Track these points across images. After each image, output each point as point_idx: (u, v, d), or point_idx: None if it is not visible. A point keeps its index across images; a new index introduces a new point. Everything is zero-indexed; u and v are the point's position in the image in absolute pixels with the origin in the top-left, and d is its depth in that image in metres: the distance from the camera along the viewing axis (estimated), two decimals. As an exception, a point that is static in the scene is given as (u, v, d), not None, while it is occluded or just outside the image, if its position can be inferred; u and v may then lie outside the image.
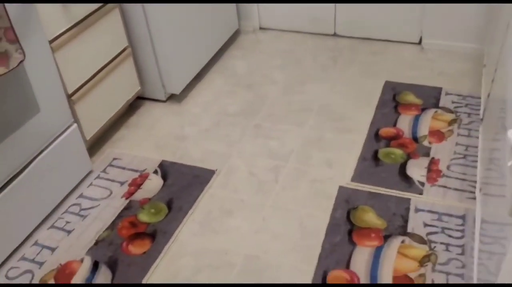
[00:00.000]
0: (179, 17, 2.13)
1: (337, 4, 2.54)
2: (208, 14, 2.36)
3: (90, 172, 1.90)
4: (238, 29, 2.75)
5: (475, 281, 1.22)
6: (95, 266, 1.55)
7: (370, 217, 1.63)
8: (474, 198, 1.65)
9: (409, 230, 1.57)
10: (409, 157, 1.86)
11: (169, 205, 1.75)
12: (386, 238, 1.55)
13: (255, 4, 2.69)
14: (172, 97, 2.29)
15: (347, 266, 1.48)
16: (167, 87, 2.22)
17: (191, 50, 2.27)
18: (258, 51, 2.62)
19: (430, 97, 2.16)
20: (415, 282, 1.42)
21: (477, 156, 1.82)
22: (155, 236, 1.63)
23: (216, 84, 2.39)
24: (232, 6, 2.58)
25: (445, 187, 1.72)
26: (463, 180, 1.74)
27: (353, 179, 1.79)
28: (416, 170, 1.80)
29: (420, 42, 2.51)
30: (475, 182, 1.71)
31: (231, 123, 2.13)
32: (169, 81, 2.19)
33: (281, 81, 2.37)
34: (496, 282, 0.90)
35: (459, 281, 1.42)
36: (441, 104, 2.12)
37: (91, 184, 1.86)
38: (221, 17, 2.49)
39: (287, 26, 2.74)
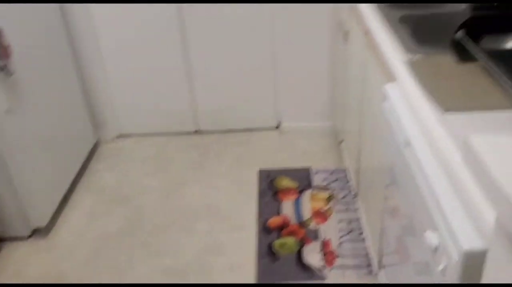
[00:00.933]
0: (31, 137, 1.95)
1: (198, 99, 2.58)
2: (61, 129, 2.20)
3: None
4: (98, 140, 2.62)
5: None
6: None
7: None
8: (371, 273, 1.74)
9: None
10: (302, 243, 1.90)
11: None
12: None
13: (112, 111, 2.60)
14: (37, 232, 2.03)
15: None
16: (30, 220, 1.97)
17: (50, 172, 2.08)
18: (123, 160, 2.51)
19: (303, 179, 2.28)
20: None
21: (361, 229, 1.94)
22: None
23: (86, 204, 2.20)
24: (85, 116, 2.45)
25: (342, 266, 1.79)
26: (356, 256, 1.83)
27: (259, 281, 1.75)
28: (313, 255, 1.84)
29: (278, 127, 2.67)
30: (367, 255, 1.81)
31: (114, 247, 1.95)
32: (31, 213, 1.95)
33: (156, 188, 2.28)
34: None
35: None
36: (314, 183, 2.24)
37: None
38: (75, 130, 2.35)
39: (148, 130, 2.69)
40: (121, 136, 2.69)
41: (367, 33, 1.57)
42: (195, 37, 2.40)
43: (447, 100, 1.00)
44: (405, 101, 1.12)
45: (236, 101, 2.60)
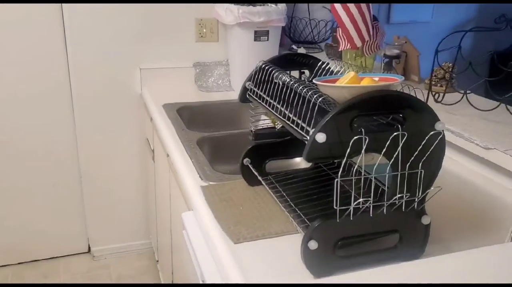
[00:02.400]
0: None
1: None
2: None
3: None
4: None
5: None
6: None
7: None
8: None
9: None
10: None
11: None
12: None
13: None
14: None
15: None
16: None
17: None
18: None
19: (117, 308, 2.08)
20: None
21: None
22: None
23: None
24: None
25: None
26: None
27: None
28: None
29: (89, 251, 2.45)
30: None
31: None
32: None
33: None
34: None
35: None
36: (130, 312, 2.06)
37: None
38: None
39: None
40: None
41: (168, 155, 1.58)
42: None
43: (237, 230, 1.01)
44: (200, 231, 1.10)
45: (40, 226, 2.33)
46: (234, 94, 2.14)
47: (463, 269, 0.80)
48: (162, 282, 2.15)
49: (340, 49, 1.49)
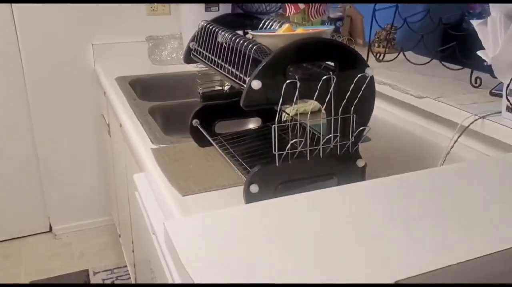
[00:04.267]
0: None
1: None
2: None
3: None
4: None
5: None
6: None
7: None
8: None
9: None
10: None
11: None
12: None
13: None
14: None
15: None
16: None
17: None
18: None
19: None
20: None
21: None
22: None
23: None
24: None
25: None
26: None
27: None
28: None
29: (51, 230, 2.44)
30: None
31: None
32: None
33: None
34: None
35: None
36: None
37: None
38: None
39: None
40: None
41: (121, 125, 1.59)
42: None
43: (186, 185, 1.04)
44: (151, 190, 1.13)
45: (-5, 209, 2.31)
46: (188, 67, 2.15)
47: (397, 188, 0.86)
48: (125, 257, 2.17)
49: (287, 15, 1.53)
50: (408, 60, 1.26)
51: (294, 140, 0.85)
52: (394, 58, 1.27)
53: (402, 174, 0.83)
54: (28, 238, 2.40)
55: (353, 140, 0.90)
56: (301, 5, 1.37)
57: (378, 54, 1.38)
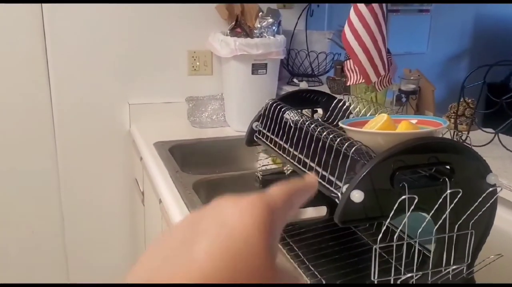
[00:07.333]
0: None
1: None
2: None
3: None
4: None
5: None
6: None
7: None
8: None
9: None
10: None
11: None
12: None
13: None
14: None
15: None
16: None
17: None
18: None
19: None
20: None
21: None
22: None
23: None
24: None
25: None
26: None
27: None
28: None
29: (72, 300, 2.25)
30: None
31: None
32: None
33: None
34: None
35: None
36: None
37: None
38: None
39: None
40: None
41: (161, 201, 1.43)
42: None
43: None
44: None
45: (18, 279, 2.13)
46: (229, 130, 2.01)
47: None
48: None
49: (349, 83, 1.38)
50: (505, 147, 1.08)
51: (403, 274, 0.66)
52: (489, 142, 1.09)
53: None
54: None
55: (469, 262, 0.71)
56: (373, 78, 1.22)
57: (460, 134, 1.20)
